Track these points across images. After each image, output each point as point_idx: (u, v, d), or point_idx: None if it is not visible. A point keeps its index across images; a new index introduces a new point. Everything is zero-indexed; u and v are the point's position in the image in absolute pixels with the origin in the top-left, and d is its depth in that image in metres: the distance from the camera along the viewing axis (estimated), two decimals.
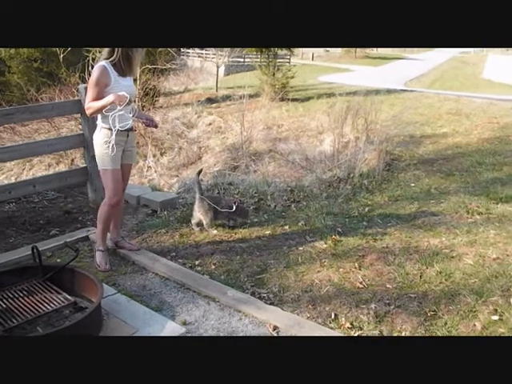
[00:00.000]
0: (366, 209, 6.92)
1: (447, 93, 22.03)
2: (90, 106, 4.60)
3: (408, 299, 4.47)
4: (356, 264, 5.18)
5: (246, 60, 40.23)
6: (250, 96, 19.66)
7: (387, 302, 4.42)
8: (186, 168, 13.40)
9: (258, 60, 26.67)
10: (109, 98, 4.50)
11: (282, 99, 22.14)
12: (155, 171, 12.32)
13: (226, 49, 29.12)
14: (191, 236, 5.93)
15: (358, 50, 58.11)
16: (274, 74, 23.04)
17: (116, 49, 4.56)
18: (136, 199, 6.94)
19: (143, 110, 20.93)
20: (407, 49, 74.23)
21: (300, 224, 6.30)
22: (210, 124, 18.70)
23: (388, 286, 4.75)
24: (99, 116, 4.73)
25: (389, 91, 20.32)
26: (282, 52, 26.45)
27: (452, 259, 5.30)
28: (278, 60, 24.84)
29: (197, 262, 5.23)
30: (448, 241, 5.78)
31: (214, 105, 23.22)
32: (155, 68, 24.16)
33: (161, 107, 23.48)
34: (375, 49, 65.30)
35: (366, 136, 9.78)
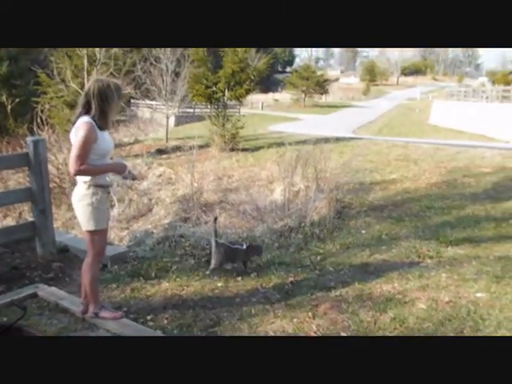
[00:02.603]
0: (318, 257, 6.92)
1: (395, 139, 22.40)
2: (87, 170, 4.43)
3: None
4: (310, 313, 5.15)
5: (196, 110, 40.49)
6: (200, 147, 19.70)
7: None
8: (136, 220, 13.23)
9: (208, 110, 26.83)
10: (112, 168, 4.65)
11: (232, 149, 22.23)
12: None
13: (175, 100, 29.25)
14: (142, 290, 5.83)
15: (307, 98, 59.10)
16: (223, 125, 23.14)
17: (93, 103, 4.41)
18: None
19: None
20: (355, 97, 75.83)
21: (252, 275, 6.25)
22: (161, 175, 18.59)
23: (343, 334, 4.73)
24: None
25: (338, 139, 20.60)
26: (231, 102, 26.61)
27: (405, 304, 5.33)
28: (227, 110, 25.00)
29: (149, 317, 5.12)
30: (400, 286, 5.82)
31: (164, 156, 23.15)
32: None
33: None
34: (323, 97, 66.46)
35: (316, 184, 9.83)
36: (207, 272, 6.34)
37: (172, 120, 34.99)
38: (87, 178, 4.51)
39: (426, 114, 41.95)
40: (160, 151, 24.29)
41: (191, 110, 40.82)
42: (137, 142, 28.95)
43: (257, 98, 56.86)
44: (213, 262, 6.33)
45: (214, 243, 6.30)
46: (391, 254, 6.98)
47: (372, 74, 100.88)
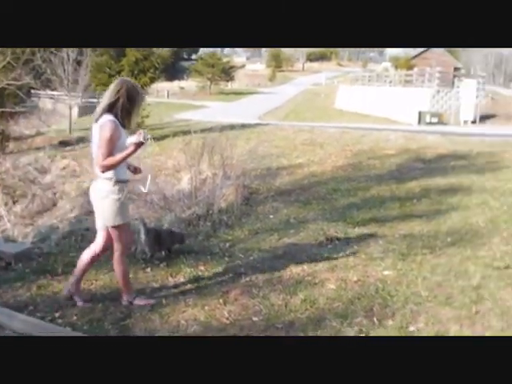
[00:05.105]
0: (227, 244, 6.92)
1: (301, 124, 22.71)
2: (110, 162, 4.47)
3: (275, 330, 4.47)
4: (221, 300, 5.13)
5: (100, 100, 39.59)
6: None
7: (255, 335, 4.39)
8: (40, 215, 12.88)
9: None
10: (131, 148, 4.46)
11: None
12: (8, 220, 11.72)
13: (78, 89, 28.69)
14: (49, 287, 5.62)
15: (213, 86, 59.06)
16: None
17: (119, 102, 4.56)
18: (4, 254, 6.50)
19: None
20: (261, 83, 76.18)
21: (161, 265, 6.17)
22: (65, 168, 18.18)
23: (254, 318, 4.74)
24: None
25: (244, 126, 20.68)
26: None
27: (315, 286, 5.39)
28: None
29: (57, 314, 4.93)
30: (310, 268, 5.88)
31: (68, 148, 22.65)
32: (3, 111, 23.33)
33: (11, 152, 22.67)
34: (229, 84, 66.55)
35: (223, 171, 9.82)
36: (141, 261, 6.28)
37: (75, 110, 34.19)
38: (111, 175, 4.59)
39: (332, 98, 42.72)
40: (64, 143, 23.77)
41: (95, 100, 39.87)
42: (39, 134, 28.21)
43: (162, 86, 56.08)
44: (146, 249, 6.24)
45: (143, 230, 6.17)
46: (299, 237, 7.05)
47: (278, 61, 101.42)
